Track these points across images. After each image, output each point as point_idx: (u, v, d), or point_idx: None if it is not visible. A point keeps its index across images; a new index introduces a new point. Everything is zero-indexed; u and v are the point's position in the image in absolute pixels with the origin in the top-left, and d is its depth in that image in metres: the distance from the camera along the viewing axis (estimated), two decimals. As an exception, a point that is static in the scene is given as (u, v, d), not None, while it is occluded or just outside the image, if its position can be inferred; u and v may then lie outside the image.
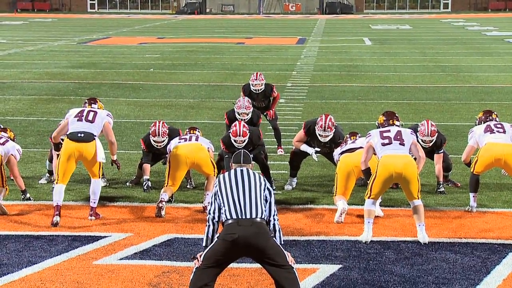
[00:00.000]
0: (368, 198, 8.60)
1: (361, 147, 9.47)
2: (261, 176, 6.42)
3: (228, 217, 6.14)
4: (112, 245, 8.41)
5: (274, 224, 6.32)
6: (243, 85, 13.22)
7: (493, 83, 22.74)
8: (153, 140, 10.46)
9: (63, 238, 8.65)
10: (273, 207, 6.34)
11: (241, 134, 10.14)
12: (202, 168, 9.86)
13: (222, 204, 6.23)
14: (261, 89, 12.85)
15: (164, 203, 9.46)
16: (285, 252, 6.21)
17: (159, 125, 10.48)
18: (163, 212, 9.42)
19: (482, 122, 10.10)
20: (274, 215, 6.33)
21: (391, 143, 8.68)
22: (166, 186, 9.79)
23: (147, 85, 21.72)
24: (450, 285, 7.19)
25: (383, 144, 8.68)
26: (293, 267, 6.14)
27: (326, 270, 7.59)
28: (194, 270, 6.16)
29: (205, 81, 22.97)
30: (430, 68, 26.77)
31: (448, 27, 51.97)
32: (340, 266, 7.70)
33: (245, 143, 10.18)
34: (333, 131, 10.40)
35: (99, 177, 9.49)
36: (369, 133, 8.96)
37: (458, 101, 19.24)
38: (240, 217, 6.11)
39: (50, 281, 7.34)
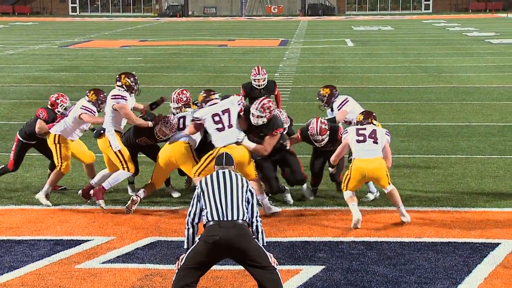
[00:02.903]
0: (345, 190, 9.19)
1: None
2: (243, 178, 6.44)
3: (210, 218, 6.16)
4: (95, 248, 8.38)
5: (257, 226, 6.34)
6: (243, 84, 12.34)
7: (474, 83, 22.89)
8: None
9: (45, 242, 8.61)
10: (255, 209, 6.36)
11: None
12: (182, 168, 9.81)
13: (204, 206, 6.24)
14: (264, 84, 12.07)
15: (138, 199, 9.55)
16: (268, 254, 6.22)
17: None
18: (133, 208, 9.48)
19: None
20: (256, 217, 6.35)
21: (365, 140, 9.17)
22: (149, 183, 9.83)
23: (129, 88, 21.64)
24: (432, 285, 7.23)
25: (358, 141, 9.17)
26: (275, 268, 6.16)
27: (309, 271, 7.60)
28: (176, 271, 6.18)
29: (187, 84, 22.95)
30: (411, 69, 26.89)
31: (429, 28, 52.24)
32: (323, 267, 7.72)
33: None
34: (327, 132, 9.96)
35: (123, 168, 9.80)
36: (346, 130, 9.43)
37: (439, 101, 19.34)
38: (221, 218, 6.13)
39: (32, 286, 7.30)
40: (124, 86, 9.96)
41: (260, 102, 9.56)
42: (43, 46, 38.18)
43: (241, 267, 7.53)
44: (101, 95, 10.40)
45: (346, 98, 10.93)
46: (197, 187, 6.39)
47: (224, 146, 9.35)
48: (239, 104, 9.54)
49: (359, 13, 77.80)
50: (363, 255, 8.09)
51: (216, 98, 9.90)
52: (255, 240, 6.21)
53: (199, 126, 9.54)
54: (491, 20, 59.76)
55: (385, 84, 22.90)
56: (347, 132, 9.36)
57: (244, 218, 6.19)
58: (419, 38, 41.61)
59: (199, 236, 6.21)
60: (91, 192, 9.85)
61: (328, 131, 9.95)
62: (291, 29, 52.39)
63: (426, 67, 27.36)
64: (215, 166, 6.54)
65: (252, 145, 9.42)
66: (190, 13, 77.25)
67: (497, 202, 10.15)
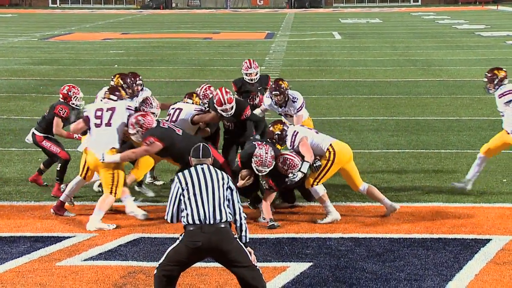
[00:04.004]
0: (317, 184, 9.12)
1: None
2: (222, 173, 6.36)
3: (191, 222, 6.14)
4: (76, 245, 8.34)
5: (241, 224, 6.33)
6: (234, 81, 11.63)
7: (464, 76, 22.96)
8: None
9: (25, 239, 8.56)
10: (237, 205, 6.33)
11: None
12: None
13: (184, 207, 6.21)
14: (256, 78, 11.40)
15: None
16: (247, 251, 6.24)
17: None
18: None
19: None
20: (240, 213, 6.32)
21: (318, 132, 9.42)
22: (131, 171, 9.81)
23: (111, 82, 21.58)
24: (422, 282, 7.24)
25: (317, 132, 9.38)
26: (256, 266, 6.18)
27: (296, 268, 7.60)
28: (157, 266, 6.18)
29: (171, 77, 22.89)
30: (400, 62, 26.94)
31: (418, 21, 52.37)
32: (311, 263, 7.72)
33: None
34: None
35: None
36: (295, 131, 9.26)
37: (429, 95, 19.38)
38: (203, 222, 6.10)
39: (11, 284, 7.26)
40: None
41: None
42: (22, 39, 37.97)
43: (226, 264, 7.54)
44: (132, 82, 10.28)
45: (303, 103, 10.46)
46: (175, 184, 6.33)
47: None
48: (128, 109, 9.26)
49: (346, 6, 77.90)
50: (351, 251, 8.10)
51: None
52: (237, 240, 6.23)
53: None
54: (482, 13, 59.98)
55: (373, 77, 22.93)
56: (298, 133, 9.17)
57: (226, 219, 6.16)
58: (408, 31, 41.70)
59: (181, 237, 6.19)
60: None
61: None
62: (277, 21, 52.36)
63: (415, 60, 27.41)
64: (192, 159, 6.47)
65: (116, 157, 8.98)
66: (173, 5, 77.06)
67: (488, 198, 10.18)
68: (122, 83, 10.01)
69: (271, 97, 10.36)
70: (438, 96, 19.19)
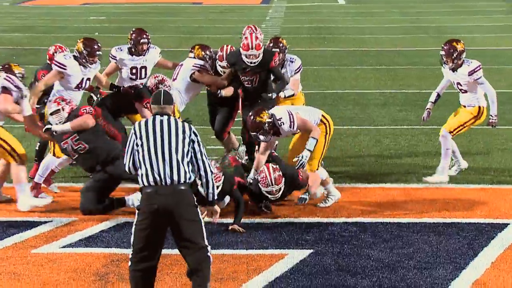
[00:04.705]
0: (317, 169, 9.04)
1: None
2: (185, 125, 6.20)
3: (146, 183, 6.06)
4: (54, 231, 8.35)
5: (207, 180, 6.24)
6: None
7: (480, 45, 22.95)
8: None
9: (-3, 224, 8.57)
10: (203, 158, 6.20)
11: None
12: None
13: (138, 165, 6.12)
14: (258, 61, 9.82)
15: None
16: (212, 212, 6.30)
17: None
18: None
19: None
20: (205, 168, 6.21)
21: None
22: None
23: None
24: (434, 270, 7.27)
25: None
26: (207, 246, 6.06)
27: (295, 255, 7.61)
28: (130, 256, 6.11)
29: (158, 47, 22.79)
30: (410, 29, 26.92)
31: (430, -16, 52.20)
32: (311, 251, 7.73)
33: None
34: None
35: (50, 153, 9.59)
36: (288, 111, 8.98)
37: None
38: (159, 183, 6.05)
39: (-17, 273, 7.27)
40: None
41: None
42: (-8, 4, 37.80)
43: (219, 251, 7.56)
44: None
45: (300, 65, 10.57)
46: (131, 134, 6.18)
47: None
48: None
49: (351, -33, 77.63)
50: (356, 237, 8.11)
51: None
52: (196, 210, 6.09)
53: None
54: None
55: (380, 46, 22.92)
56: (291, 111, 8.97)
57: (186, 180, 6.09)
58: (419, -5, 41.59)
59: (138, 205, 6.11)
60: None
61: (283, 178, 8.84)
62: (275, -16, 52.16)
63: (426, 27, 27.39)
64: (152, 107, 6.29)
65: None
66: (160, -34, 76.70)
67: (506, 179, 10.21)
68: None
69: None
70: (452, 67, 19.15)
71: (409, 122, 13.56)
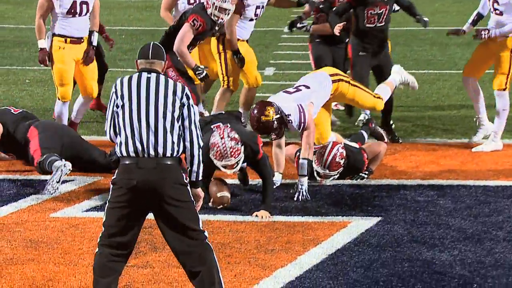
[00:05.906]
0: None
1: None
2: (177, 85, 5.93)
3: (125, 153, 5.79)
4: (76, 192, 8.43)
5: (192, 154, 5.90)
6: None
7: None
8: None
9: (10, 183, 8.67)
10: (191, 128, 5.90)
11: None
12: None
13: (118, 131, 5.86)
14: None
15: None
16: (198, 199, 5.91)
17: None
18: None
19: None
20: (192, 140, 5.90)
21: (301, 88, 9.00)
22: None
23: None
24: (527, 243, 7.22)
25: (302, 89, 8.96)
26: (204, 234, 5.81)
27: (360, 224, 7.61)
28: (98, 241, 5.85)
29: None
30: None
31: None
32: (379, 218, 7.73)
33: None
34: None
35: None
36: (298, 105, 8.71)
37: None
38: (140, 155, 5.76)
39: (-6, 240, 7.38)
40: None
41: None
42: None
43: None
44: None
45: None
46: (111, 92, 5.90)
47: None
48: None
49: None
50: (433, 203, 8.10)
51: None
52: (186, 188, 5.82)
53: None
54: None
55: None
56: (300, 104, 8.72)
57: (174, 153, 5.79)
58: None
59: (113, 176, 5.85)
60: None
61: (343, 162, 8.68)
62: None
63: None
64: (138, 62, 6.01)
65: None
66: None
67: None
68: None
69: None
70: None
71: None
